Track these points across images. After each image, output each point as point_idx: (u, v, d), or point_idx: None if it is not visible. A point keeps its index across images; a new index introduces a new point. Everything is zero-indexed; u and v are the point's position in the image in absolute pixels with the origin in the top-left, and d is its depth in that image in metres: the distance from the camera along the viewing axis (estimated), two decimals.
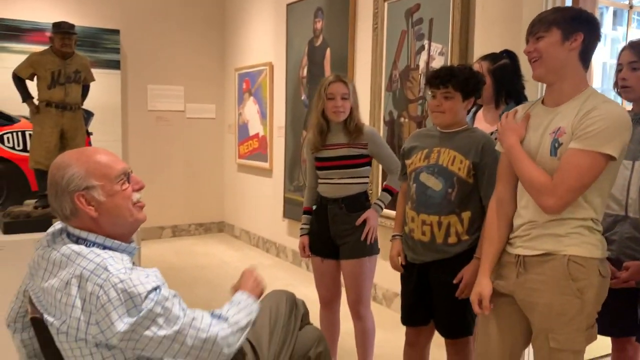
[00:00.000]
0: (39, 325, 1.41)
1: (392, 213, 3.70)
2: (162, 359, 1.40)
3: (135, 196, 1.51)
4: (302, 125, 4.92)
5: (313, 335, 1.87)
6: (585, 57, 1.69)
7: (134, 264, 1.45)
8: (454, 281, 2.05)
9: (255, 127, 5.79)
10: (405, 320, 2.29)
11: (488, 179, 2.02)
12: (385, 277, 3.61)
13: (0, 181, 5.06)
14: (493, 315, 1.82)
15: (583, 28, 1.66)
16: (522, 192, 1.77)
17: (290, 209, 5.12)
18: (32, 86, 3.09)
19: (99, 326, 1.31)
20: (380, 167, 3.81)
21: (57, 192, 1.44)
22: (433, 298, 2.17)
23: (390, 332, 3.38)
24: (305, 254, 2.76)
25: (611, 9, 7.26)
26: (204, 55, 6.32)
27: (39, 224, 2.74)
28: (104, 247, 1.43)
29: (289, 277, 4.79)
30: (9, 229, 2.75)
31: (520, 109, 1.87)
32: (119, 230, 1.48)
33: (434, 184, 2.07)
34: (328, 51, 4.53)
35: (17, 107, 4.06)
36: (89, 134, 3.84)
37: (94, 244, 1.44)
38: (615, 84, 2.14)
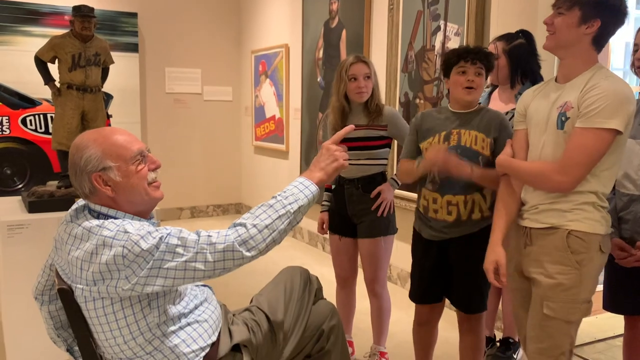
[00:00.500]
0: (67, 296, 1.48)
1: (408, 194, 3.75)
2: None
3: (151, 175, 1.57)
4: (317, 107, 4.94)
5: (326, 309, 1.91)
6: (599, 42, 1.71)
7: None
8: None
9: (272, 109, 5.82)
10: (419, 298, 2.30)
11: None
12: (400, 257, 3.64)
13: (23, 162, 5.20)
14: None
15: (604, 15, 1.66)
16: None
17: None
18: (53, 69, 3.16)
19: (128, 280, 1.39)
20: (397, 146, 3.83)
21: (76, 172, 1.51)
22: (453, 274, 2.19)
23: (404, 311, 3.43)
24: (323, 230, 2.79)
25: None
26: (220, 37, 6.35)
27: (62, 203, 2.81)
28: (124, 219, 1.50)
29: (305, 257, 4.86)
30: (34, 208, 2.83)
31: (534, 88, 1.91)
32: (136, 208, 1.55)
33: None
34: (344, 32, 4.52)
35: (39, 90, 4.15)
36: (108, 116, 3.91)
37: (114, 218, 1.51)
38: (632, 65, 2.13)
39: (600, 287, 2.03)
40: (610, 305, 2.19)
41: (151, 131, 6.04)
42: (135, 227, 1.43)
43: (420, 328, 2.37)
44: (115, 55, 3.50)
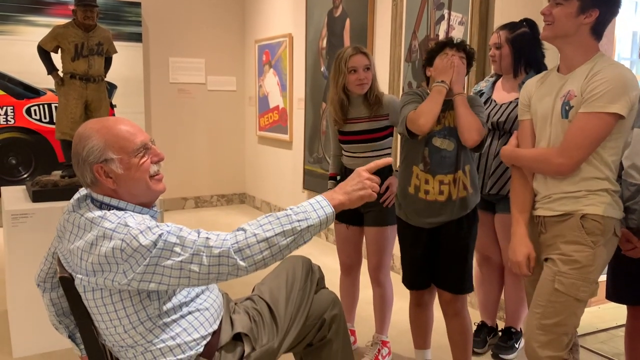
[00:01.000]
0: (68, 284, 1.49)
1: None
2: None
3: (154, 168, 1.55)
4: (321, 97, 4.92)
5: (328, 298, 1.92)
6: (597, 30, 1.73)
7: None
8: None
9: (275, 99, 5.81)
10: (412, 285, 2.39)
11: None
12: None
13: (28, 152, 5.22)
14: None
15: (602, 4, 1.69)
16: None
17: (309, 181, 5.16)
18: (56, 59, 3.16)
19: (125, 275, 1.39)
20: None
21: (78, 162, 1.51)
22: (442, 257, 2.26)
23: (406, 300, 3.41)
24: None
25: None
26: (224, 27, 6.33)
27: (66, 192, 2.83)
28: (126, 211, 1.50)
29: (309, 247, 4.86)
30: (38, 197, 2.85)
31: (537, 78, 1.91)
32: (138, 200, 1.55)
33: (447, 145, 2.16)
34: (348, 22, 4.50)
35: (44, 80, 4.16)
36: (112, 106, 3.91)
37: (116, 208, 1.51)
38: None
39: (603, 277, 2.03)
40: (613, 295, 2.19)
41: (155, 121, 6.05)
42: (136, 221, 1.42)
43: (417, 309, 2.46)
44: (118, 45, 3.50)
